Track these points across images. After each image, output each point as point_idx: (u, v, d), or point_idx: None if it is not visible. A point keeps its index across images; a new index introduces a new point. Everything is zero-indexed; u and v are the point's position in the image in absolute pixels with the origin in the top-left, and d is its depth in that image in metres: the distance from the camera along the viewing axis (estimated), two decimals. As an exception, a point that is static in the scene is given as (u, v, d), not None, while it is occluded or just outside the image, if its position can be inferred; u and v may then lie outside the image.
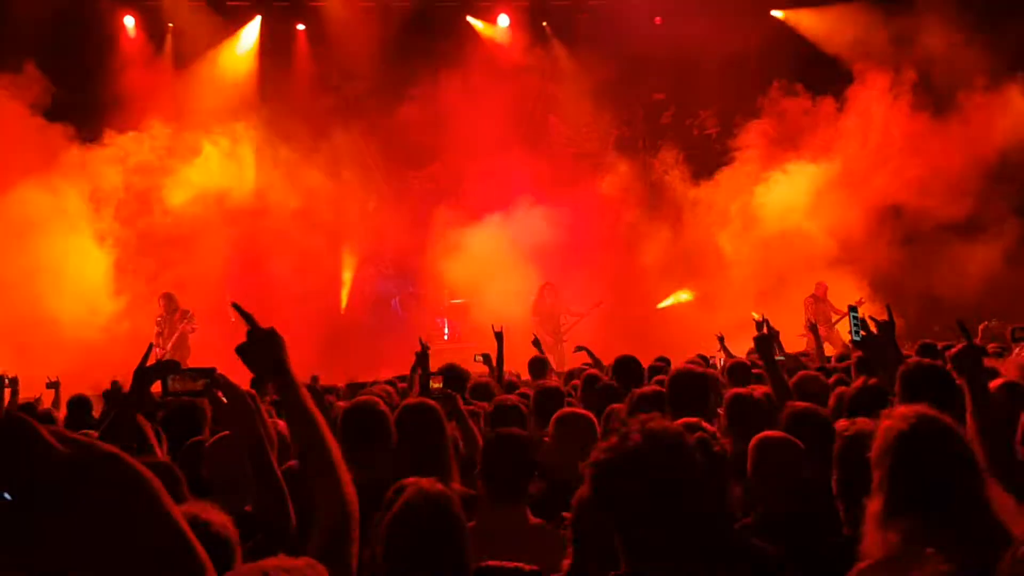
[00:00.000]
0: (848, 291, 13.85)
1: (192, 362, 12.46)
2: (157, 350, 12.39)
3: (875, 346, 3.32)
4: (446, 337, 14.95)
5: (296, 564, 1.65)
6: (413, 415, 3.73)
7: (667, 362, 7.46)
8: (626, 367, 5.85)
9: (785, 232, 14.66)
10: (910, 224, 14.73)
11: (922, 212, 14.56)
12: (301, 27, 16.00)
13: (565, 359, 12.94)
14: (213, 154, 14.41)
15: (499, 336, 7.54)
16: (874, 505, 2.29)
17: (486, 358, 7.54)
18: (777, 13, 16.43)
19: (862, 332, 3.46)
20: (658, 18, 16.42)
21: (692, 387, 4.11)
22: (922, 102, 14.40)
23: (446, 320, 15.11)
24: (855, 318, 3.45)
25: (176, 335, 12.79)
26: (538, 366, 7.30)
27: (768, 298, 14.75)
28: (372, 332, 14.93)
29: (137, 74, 14.72)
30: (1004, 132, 14.12)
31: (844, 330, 13.13)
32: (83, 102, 14.04)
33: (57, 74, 13.59)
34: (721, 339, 8.16)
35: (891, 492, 2.25)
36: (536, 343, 8.02)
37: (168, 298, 12.95)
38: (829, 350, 12.45)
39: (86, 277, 13.14)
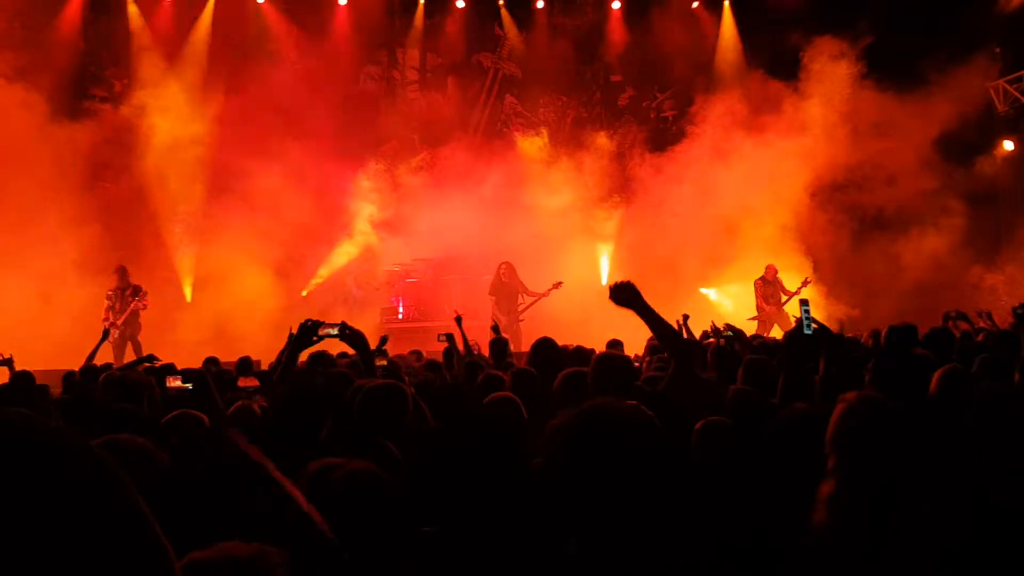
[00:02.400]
0: (794, 276, 14.13)
1: (143, 337, 12.37)
2: (105, 323, 12.22)
3: (825, 341, 3.42)
4: (400, 316, 14.90)
5: (248, 552, 1.63)
6: (378, 396, 3.70)
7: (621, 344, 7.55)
8: (542, 351, 5.58)
9: (736, 212, 14.83)
10: (859, 207, 14.99)
11: (871, 195, 14.85)
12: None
13: (521, 339, 13.00)
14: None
15: (458, 320, 7.52)
16: (827, 487, 2.34)
17: (449, 337, 7.54)
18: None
19: (814, 325, 3.54)
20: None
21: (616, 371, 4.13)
22: (878, 77, 14.54)
23: (401, 299, 15.05)
24: (806, 312, 3.52)
25: (128, 311, 12.65)
26: (499, 348, 7.30)
27: (717, 279, 15.02)
28: (326, 312, 14.84)
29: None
30: (960, 112, 14.37)
31: (792, 312, 13.40)
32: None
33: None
34: (685, 317, 8.07)
35: (843, 474, 2.30)
36: (495, 328, 7.98)
37: (121, 272, 12.79)
38: (778, 332, 12.69)
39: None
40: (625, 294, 3.79)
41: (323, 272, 15.32)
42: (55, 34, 14.35)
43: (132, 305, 12.61)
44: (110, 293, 12.74)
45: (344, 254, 15.36)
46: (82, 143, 13.67)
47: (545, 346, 5.40)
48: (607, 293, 3.91)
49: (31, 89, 13.12)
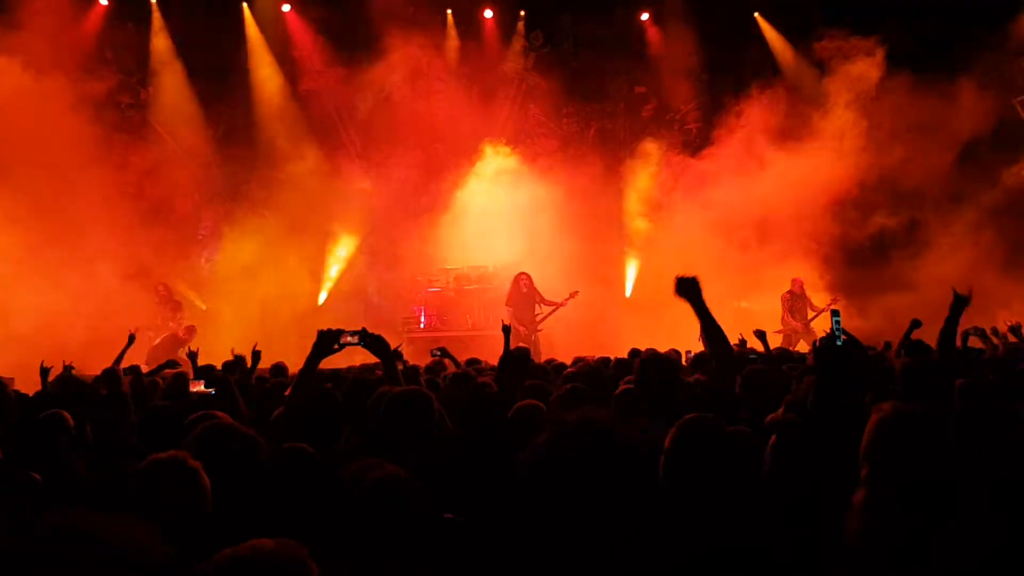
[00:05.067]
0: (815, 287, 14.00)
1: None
2: (150, 333, 12.69)
3: (856, 351, 3.37)
4: (422, 326, 14.86)
5: (284, 551, 1.65)
6: (403, 402, 3.67)
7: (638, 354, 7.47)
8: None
9: (759, 224, 14.73)
10: (883, 219, 14.85)
11: (895, 207, 14.73)
12: (286, 7, 15.86)
13: (540, 349, 12.93)
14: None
15: (506, 330, 7.44)
16: (861, 495, 2.32)
17: (442, 351, 7.57)
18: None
19: (843, 337, 3.49)
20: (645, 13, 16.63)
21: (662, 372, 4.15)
22: (904, 89, 14.38)
23: (423, 309, 15.01)
24: (837, 323, 3.47)
25: (166, 331, 13.09)
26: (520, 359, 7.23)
27: (741, 293, 14.88)
28: (347, 321, 14.83)
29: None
30: (985, 126, 14.18)
31: (819, 327, 13.29)
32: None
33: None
34: (762, 335, 7.81)
35: (877, 482, 2.29)
36: (506, 329, 7.82)
37: (166, 287, 13.39)
38: (804, 347, 12.56)
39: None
40: (688, 287, 3.94)
41: (337, 279, 15.34)
42: (82, 38, 14.43)
43: (172, 328, 13.09)
44: (154, 307, 13.25)
45: (364, 262, 15.40)
46: (111, 148, 13.78)
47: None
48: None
49: (65, 88, 13.20)
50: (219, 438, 2.94)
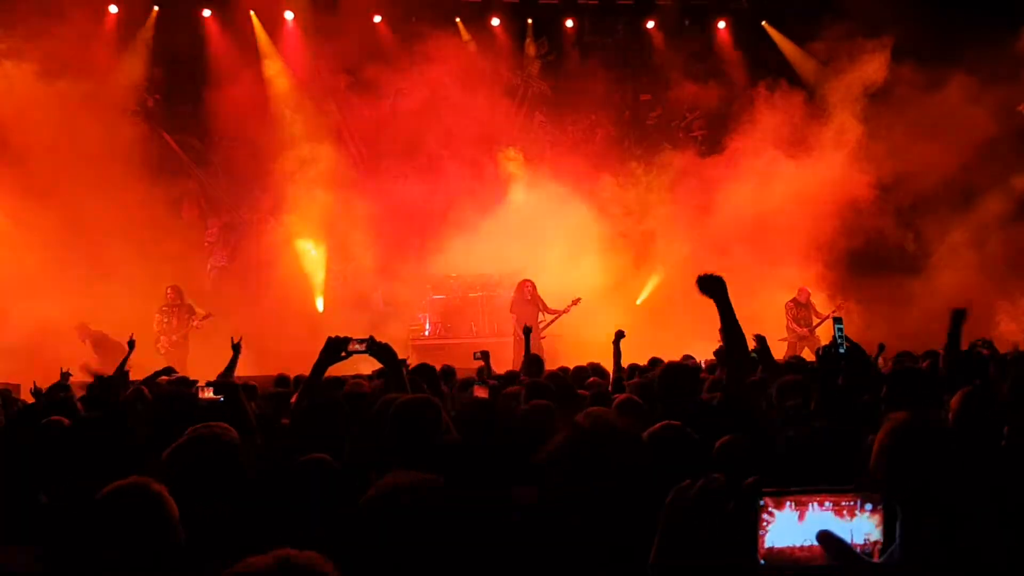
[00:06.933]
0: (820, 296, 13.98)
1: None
2: (163, 338, 12.86)
3: (857, 359, 3.39)
4: (427, 333, 14.87)
5: (304, 558, 1.65)
6: (413, 409, 3.68)
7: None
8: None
9: (764, 231, 14.74)
10: (889, 227, 14.84)
11: (902, 216, 14.72)
12: (289, 15, 15.91)
13: (543, 355, 12.91)
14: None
15: (527, 332, 7.49)
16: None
17: (484, 355, 7.49)
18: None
19: (846, 344, 3.51)
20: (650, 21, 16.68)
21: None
22: (911, 95, 14.38)
23: (427, 316, 15.02)
24: (840, 330, 3.49)
25: (186, 331, 13.18)
26: (534, 364, 7.24)
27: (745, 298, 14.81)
28: (352, 328, 14.79)
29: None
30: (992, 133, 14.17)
31: (823, 335, 13.29)
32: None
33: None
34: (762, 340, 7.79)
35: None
36: (526, 331, 7.87)
37: (176, 291, 13.34)
38: (809, 355, 12.56)
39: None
40: (712, 285, 3.93)
41: (342, 286, 15.35)
42: (91, 47, 14.50)
43: (192, 325, 13.19)
44: (164, 308, 13.14)
45: (369, 269, 15.42)
46: (118, 155, 13.85)
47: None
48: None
49: (75, 96, 13.25)
50: (202, 450, 2.98)
